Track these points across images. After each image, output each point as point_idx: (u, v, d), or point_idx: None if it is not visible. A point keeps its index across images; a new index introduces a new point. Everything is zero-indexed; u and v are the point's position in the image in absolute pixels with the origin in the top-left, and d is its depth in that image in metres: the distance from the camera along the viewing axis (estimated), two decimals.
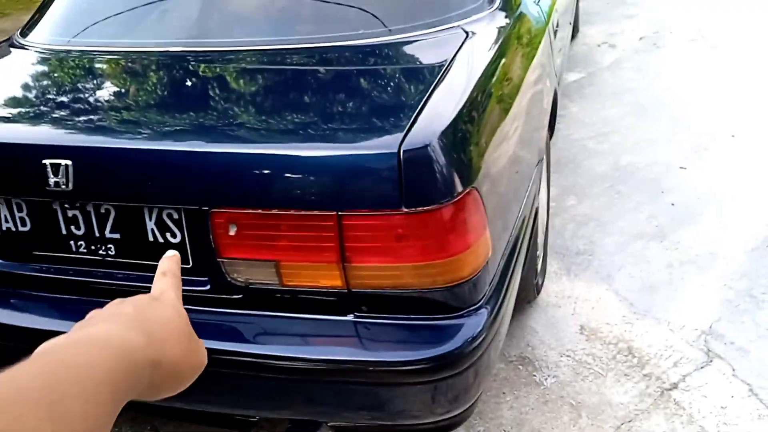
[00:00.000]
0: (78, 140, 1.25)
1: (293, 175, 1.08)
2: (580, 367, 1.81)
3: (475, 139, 1.16)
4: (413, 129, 1.07)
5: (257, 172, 1.09)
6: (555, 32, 2.01)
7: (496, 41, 1.44)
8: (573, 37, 3.94)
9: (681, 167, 2.68)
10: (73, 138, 1.26)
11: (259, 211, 1.08)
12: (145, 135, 1.23)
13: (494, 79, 1.31)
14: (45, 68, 1.61)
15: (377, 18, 1.48)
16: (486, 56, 1.35)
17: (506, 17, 1.59)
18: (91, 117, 1.33)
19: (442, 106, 1.15)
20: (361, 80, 1.38)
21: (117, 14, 1.65)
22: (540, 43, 1.73)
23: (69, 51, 1.59)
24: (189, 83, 1.47)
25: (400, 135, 1.06)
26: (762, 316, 1.89)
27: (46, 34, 1.66)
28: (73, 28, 1.65)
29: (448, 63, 1.28)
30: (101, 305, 0.47)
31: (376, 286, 1.11)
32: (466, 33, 1.43)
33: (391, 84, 1.35)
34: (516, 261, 1.34)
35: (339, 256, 1.07)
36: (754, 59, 3.59)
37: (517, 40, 1.58)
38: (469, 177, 1.09)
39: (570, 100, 3.39)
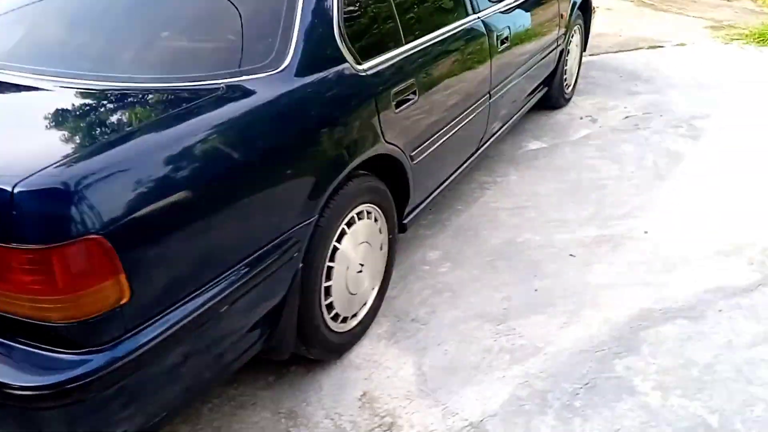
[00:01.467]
0: None
1: None
2: None
3: (111, 189, 1.23)
4: (39, 171, 1.17)
5: None
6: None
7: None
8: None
9: (571, 254, 2.60)
10: None
11: None
12: None
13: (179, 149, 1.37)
14: None
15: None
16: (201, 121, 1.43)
17: (301, 84, 1.66)
18: None
19: (93, 157, 1.24)
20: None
21: None
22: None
23: None
24: None
25: (24, 173, 1.16)
26: (536, 423, 1.83)
27: None
28: None
29: (149, 121, 1.38)
30: None
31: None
32: (217, 92, 1.52)
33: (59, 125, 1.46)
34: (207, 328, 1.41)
35: None
36: (728, 161, 3.41)
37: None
38: (92, 223, 1.17)
39: (515, 169, 3.36)
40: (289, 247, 1.62)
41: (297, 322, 1.81)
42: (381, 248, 2.16)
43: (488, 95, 2.72)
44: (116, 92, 1.57)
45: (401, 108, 2.03)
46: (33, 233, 1.15)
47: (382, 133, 1.94)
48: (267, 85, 1.59)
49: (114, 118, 1.49)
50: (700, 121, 3.87)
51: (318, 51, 1.75)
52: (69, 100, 1.58)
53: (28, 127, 1.44)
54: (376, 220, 2.09)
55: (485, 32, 2.61)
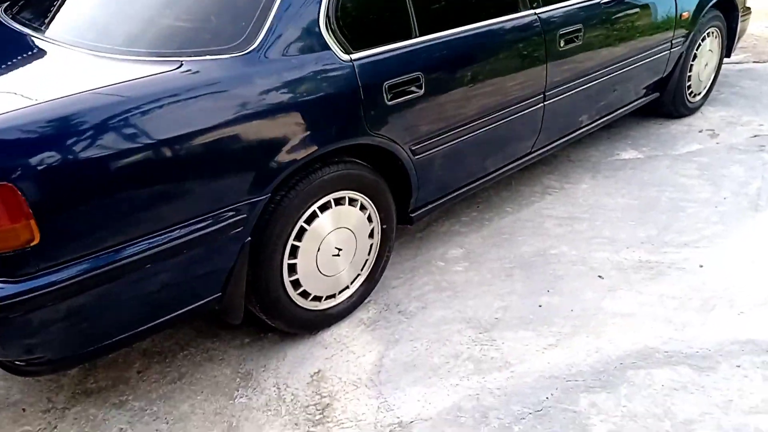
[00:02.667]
0: None
1: None
2: (274, 401, 1.92)
3: (28, 144, 1.42)
4: None
5: None
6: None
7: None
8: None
9: (600, 276, 2.40)
10: None
11: None
12: None
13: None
14: None
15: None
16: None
17: (264, 68, 1.76)
18: None
19: (11, 113, 1.44)
20: None
21: None
22: None
23: None
24: None
25: None
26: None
27: None
28: None
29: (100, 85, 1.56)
30: None
31: None
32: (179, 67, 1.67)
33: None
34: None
35: None
36: None
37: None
38: (4, 173, 1.38)
39: (592, 177, 3.13)
40: (231, 220, 1.73)
41: (255, 293, 1.93)
42: (371, 236, 2.19)
43: (542, 97, 2.57)
44: (73, 57, 1.79)
45: (397, 100, 2.02)
46: None
47: (367, 123, 1.96)
48: (222, 66, 1.70)
49: (47, 78, 1.71)
50: None
51: (295, 36, 1.81)
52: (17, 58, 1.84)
53: None
54: (363, 208, 2.12)
55: (541, 30, 2.46)
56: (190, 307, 1.79)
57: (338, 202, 2.03)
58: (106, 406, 1.92)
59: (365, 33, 1.98)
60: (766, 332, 2.08)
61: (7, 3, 2.39)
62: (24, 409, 1.91)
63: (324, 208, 2.00)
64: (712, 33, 3.63)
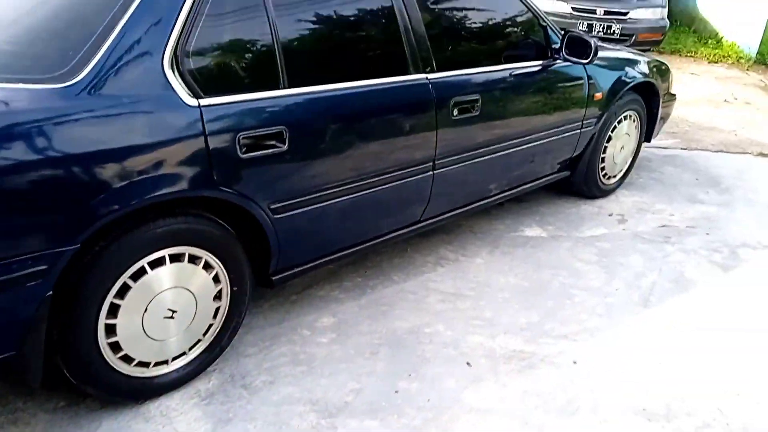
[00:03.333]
0: None
1: None
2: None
3: None
4: None
5: None
6: None
7: None
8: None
9: (468, 363, 2.24)
10: None
11: None
12: None
13: None
14: None
15: None
16: None
17: (82, 104, 1.57)
18: None
19: None
20: None
21: None
22: None
23: None
24: None
25: None
26: None
27: None
28: None
29: None
30: None
31: None
32: None
33: None
34: None
35: None
36: (743, 315, 2.80)
37: None
38: None
39: (489, 252, 3.00)
40: (29, 270, 1.52)
41: (63, 355, 1.71)
42: (218, 299, 1.99)
43: (431, 165, 2.44)
44: None
45: (252, 154, 1.86)
46: None
47: (215, 176, 1.79)
48: (34, 98, 1.51)
49: None
50: (748, 252, 3.22)
51: (130, 72, 1.64)
52: None
53: None
54: (209, 267, 1.93)
55: (432, 96, 2.34)
56: None
57: (176, 258, 1.84)
58: None
59: (220, 78, 1.83)
60: None
61: None
62: None
63: (157, 264, 1.80)
64: (630, 116, 3.62)
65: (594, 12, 6.69)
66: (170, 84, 1.71)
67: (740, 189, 4.07)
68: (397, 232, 2.55)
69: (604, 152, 3.53)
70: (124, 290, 1.75)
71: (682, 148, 4.83)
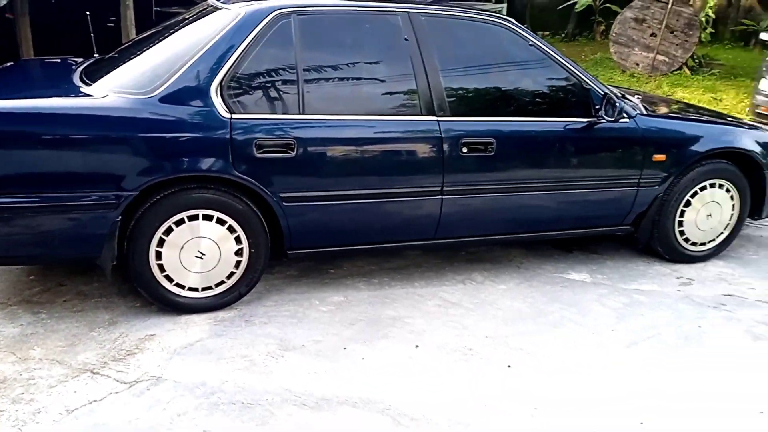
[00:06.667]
0: None
1: None
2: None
3: None
4: None
5: None
6: None
7: None
8: None
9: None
10: None
11: None
12: None
13: None
14: None
15: None
16: None
17: (154, 109, 2.63)
18: None
19: None
20: None
21: None
22: None
23: None
24: None
25: None
26: None
27: None
28: None
29: None
30: None
31: None
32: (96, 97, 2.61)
33: None
34: None
35: None
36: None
37: None
38: None
39: (517, 283, 3.34)
40: (105, 201, 2.57)
41: (127, 262, 2.72)
42: (239, 254, 2.84)
43: (439, 190, 2.99)
44: None
45: (266, 154, 2.70)
46: None
47: (234, 165, 2.68)
48: (130, 102, 2.58)
49: None
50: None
51: (188, 91, 2.63)
52: None
53: None
54: (232, 230, 2.80)
55: (440, 134, 2.93)
56: (81, 254, 2.67)
57: (208, 218, 2.75)
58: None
59: (249, 103, 2.73)
60: None
61: None
62: None
63: (192, 218, 2.73)
64: (720, 185, 3.58)
65: None
66: (213, 103, 2.67)
67: None
68: (412, 242, 3.14)
69: (682, 216, 3.56)
70: (169, 231, 2.72)
71: None
